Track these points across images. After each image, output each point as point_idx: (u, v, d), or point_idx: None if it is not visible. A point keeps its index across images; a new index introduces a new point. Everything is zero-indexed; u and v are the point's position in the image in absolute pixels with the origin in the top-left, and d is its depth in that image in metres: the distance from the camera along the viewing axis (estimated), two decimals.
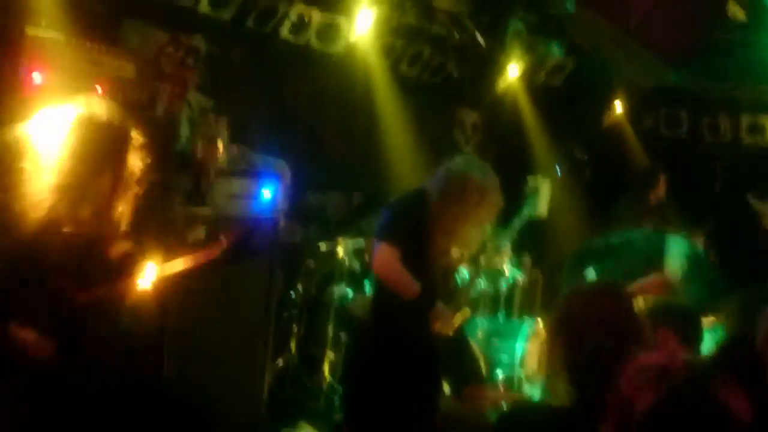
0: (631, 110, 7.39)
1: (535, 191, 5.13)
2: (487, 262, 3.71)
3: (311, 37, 4.92)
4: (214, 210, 3.66)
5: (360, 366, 1.91)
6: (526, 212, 3.99)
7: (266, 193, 3.90)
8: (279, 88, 4.95)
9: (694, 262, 4.57)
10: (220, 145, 3.70)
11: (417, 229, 3.34)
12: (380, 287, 3.53)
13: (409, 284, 3.32)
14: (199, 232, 3.61)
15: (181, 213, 3.53)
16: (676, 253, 4.57)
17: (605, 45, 6.35)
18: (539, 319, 5.31)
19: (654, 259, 4.62)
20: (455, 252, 3.54)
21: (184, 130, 4.03)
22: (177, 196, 3.55)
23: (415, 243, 3.33)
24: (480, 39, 5.79)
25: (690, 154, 7.29)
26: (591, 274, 4.58)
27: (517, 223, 3.92)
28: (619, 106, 7.23)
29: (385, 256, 3.35)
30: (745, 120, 7.01)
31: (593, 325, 2.20)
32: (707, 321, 4.72)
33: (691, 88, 7.21)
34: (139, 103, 3.50)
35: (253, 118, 4.79)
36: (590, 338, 2.17)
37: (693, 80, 7.13)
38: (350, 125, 5.49)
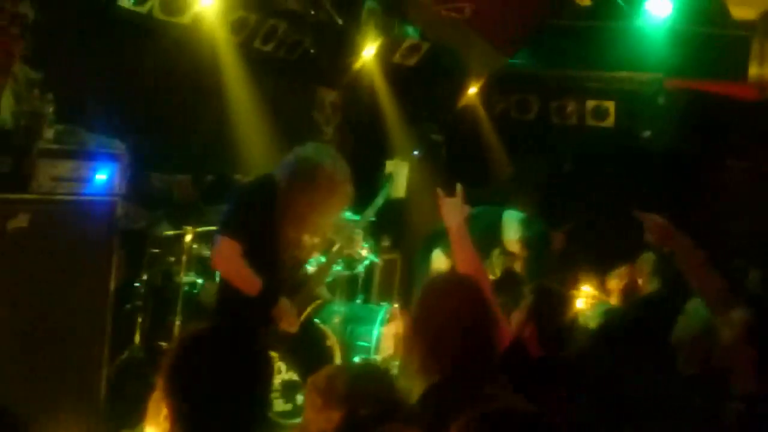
0: (484, 94, 7.55)
1: (391, 177, 5.10)
2: (341, 248, 3.59)
3: (154, 6, 4.56)
4: (39, 194, 3.30)
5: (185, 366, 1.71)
6: (380, 199, 3.90)
7: (101, 176, 3.57)
8: (117, 62, 4.55)
9: (531, 237, 4.71)
10: (45, 123, 3.33)
11: (263, 220, 3.17)
12: (224, 280, 3.34)
13: (249, 281, 3.16)
14: (21, 220, 3.25)
15: None
16: (513, 226, 4.72)
17: (445, 31, 6.40)
18: (396, 304, 5.30)
19: (493, 232, 4.75)
20: (307, 240, 3.40)
21: (8, 106, 3.62)
22: None
23: (262, 234, 3.16)
24: (336, 16, 5.65)
25: (539, 135, 7.57)
26: (438, 254, 4.61)
27: (371, 211, 3.83)
28: (472, 89, 7.37)
29: (224, 251, 3.17)
30: (590, 104, 7.34)
31: (451, 326, 2.17)
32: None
33: (540, 74, 7.46)
34: None
35: (89, 94, 4.39)
36: (448, 341, 2.16)
37: (542, 66, 7.38)
38: (198, 103, 5.18)
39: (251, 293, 3.14)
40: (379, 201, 3.88)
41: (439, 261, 4.42)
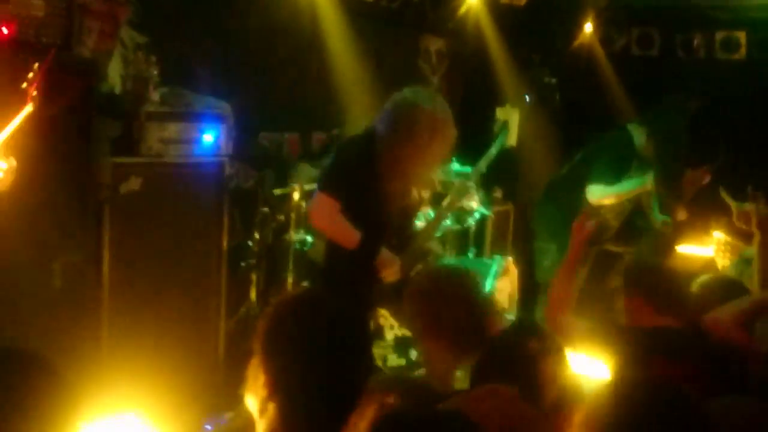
0: (601, 31, 7.08)
1: (504, 124, 4.84)
2: (452, 202, 3.44)
3: None
4: (149, 157, 3.33)
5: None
6: (494, 149, 3.69)
7: (208, 137, 3.57)
8: (218, 21, 4.53)
9: (656, 127, 4.46)
10: (151, 86, 3.34)
11: (364, 172, 3.06)
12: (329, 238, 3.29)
13: (346, 235, 3.09)
14: (134, 183, 3.30)
15: (110, 163, 3.20)
16: (639, 131, 4.47)
17: None
18: (509, 257, 5.11)
19: (624, 148, 4.48)
20: (415, 193, 3.27)
21: (116, 71, 3.67)
22: (104, 144, 3.21)
23: (365, 188, 3.06)
24: None
25: (663, 72, 7.03)
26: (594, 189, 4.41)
27: (484, 162, 3.63)
28: (588, 27, 6.92)
29: (319, 207, 3.12)
30: (719, 35, 6.74)
31: (446, 307, 2.40)
32: None
33: (663, 4, 6.90)
34: (54, 43, 3.13)
35: (195, 56, 4.40)
36: (445, 317, 2.38)
37: None
38: (302, 59, 5.11)
39: (350, 247, 3.08)
40: (493, 151, 3.66)
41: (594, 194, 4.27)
